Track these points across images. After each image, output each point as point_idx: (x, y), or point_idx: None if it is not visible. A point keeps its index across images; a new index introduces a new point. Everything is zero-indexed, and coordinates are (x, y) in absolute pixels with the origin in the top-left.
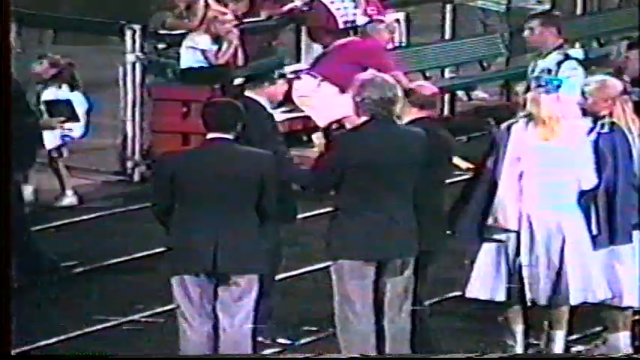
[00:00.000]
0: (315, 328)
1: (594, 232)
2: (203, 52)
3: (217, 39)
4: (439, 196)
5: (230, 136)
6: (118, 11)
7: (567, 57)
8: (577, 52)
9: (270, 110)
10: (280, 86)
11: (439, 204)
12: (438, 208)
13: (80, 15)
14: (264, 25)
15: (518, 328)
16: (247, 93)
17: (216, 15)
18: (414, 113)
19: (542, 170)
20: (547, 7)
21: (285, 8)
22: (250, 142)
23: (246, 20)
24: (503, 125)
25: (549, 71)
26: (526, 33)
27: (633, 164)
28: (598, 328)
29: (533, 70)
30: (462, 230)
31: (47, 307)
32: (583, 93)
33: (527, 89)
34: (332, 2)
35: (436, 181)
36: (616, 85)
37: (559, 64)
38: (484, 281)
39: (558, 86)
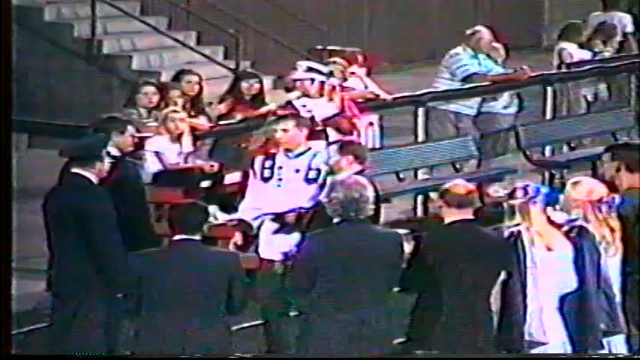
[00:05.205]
0: None
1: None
2: (159, 154)
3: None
4: None
5: (196, 237)
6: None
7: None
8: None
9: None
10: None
11: None
12: None
13: None
14: (237, 128)
15: None
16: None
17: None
18: (453, 214)
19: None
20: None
21: (260, 111)
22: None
23: (220, 122)
24: (509, 232)
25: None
26: (279, 134)
27: (601, 270)
28: None
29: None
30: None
31: None
32: (560, 192)
33: (511, 195)
34: (304, 105)
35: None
36: (589, 188)
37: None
38: None
39: (555, 198)
